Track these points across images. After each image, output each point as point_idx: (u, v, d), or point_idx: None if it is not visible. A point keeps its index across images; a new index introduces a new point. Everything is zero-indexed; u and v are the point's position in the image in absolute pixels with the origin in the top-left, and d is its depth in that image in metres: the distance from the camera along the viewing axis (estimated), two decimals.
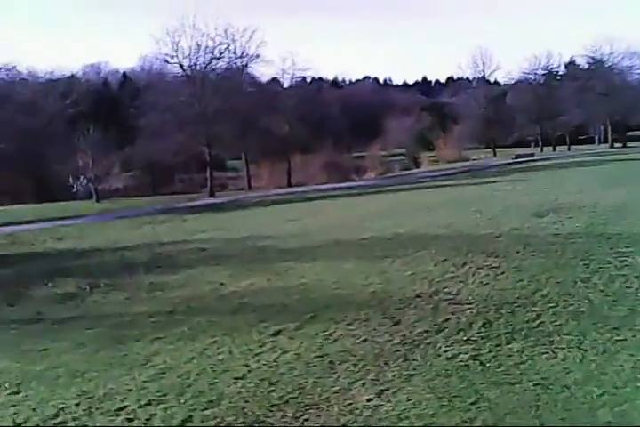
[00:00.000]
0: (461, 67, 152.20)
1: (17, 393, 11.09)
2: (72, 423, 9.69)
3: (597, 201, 26.40)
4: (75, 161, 60.68)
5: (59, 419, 9.86)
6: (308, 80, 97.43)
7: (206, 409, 9.82)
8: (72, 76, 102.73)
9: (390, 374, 10.68)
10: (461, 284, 15.61)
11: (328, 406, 9.66)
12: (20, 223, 40.12)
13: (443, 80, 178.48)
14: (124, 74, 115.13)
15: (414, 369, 10.86)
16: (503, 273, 16.27)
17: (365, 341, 12.30)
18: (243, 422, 9.31)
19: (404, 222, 25.70)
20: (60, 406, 10.36)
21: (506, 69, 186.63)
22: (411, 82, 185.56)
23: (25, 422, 9.85)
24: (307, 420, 9.29)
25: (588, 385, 9.82)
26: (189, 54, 64.12)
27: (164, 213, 42.51)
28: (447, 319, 13.19)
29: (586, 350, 11.23)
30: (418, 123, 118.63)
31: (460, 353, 11.41)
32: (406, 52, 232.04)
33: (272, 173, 78.96)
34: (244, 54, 67.48)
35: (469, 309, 13.75)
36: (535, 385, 9.92)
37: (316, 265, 19.20)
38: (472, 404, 9.41)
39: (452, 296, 14.73)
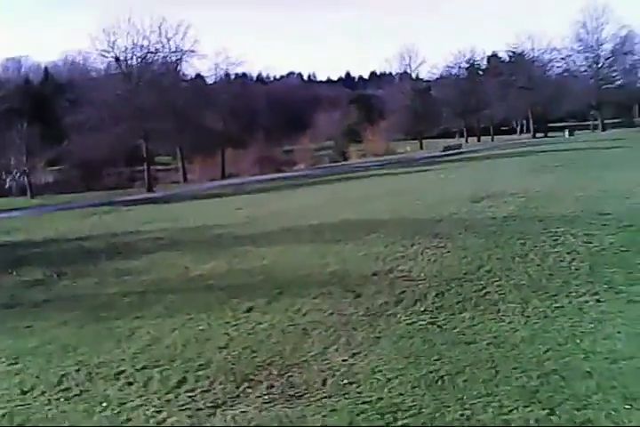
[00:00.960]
0: (388, 60, 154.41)
1: (16, 364, 11.99)
2: (76, 389, 10.66)
3: (528, 187, 28.16)
4: (6, 157, 60.29)
5: (63, 386, 10.81)
6: (233, 76, 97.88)
7: (198, 371, 10.93)
8: None
9: (359, 339, 11.96)
10: (412, 262, 16.99)
11: (308, 366, 10.86)
12: None
13: (366, 76, 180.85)
14: (46, 69, 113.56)
15: (380, 333, 12.17)
16: (449, 252, 17.72)
17: (332, 313, 13.54)
18: (233, 380, 10.44)
19: (349, 210, 27.00)
20: (61, 373, 11.32)
21: (431, 63, 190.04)
22: (335, 78, 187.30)
23: (32, 390, 10.76)
24: (290, 376, 10.49)
25: (534, 344, 11.24)
26: (125, 51, 64.39)
27: (106, 205, 42.88)
28: (403, 292, 14.55)
29: (529, 316, 12.70)
30: (345, 116, 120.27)
31: (419, 320, 12.77)
32: (329, 48, 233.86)
33: (204, 167, 79.58)
34: (179, 49, 68.07)
35: (422, 283, 15.13)
36: (488, 344, 11.31)
37: (272, 249, 20.32)
38: (436, 360, 10.73)
39: (405, 273, 16.10)
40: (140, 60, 65.46)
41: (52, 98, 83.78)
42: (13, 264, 22.18)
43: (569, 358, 10.49)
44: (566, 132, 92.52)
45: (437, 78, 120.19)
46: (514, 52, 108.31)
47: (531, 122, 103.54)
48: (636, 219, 20.06)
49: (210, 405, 9.66)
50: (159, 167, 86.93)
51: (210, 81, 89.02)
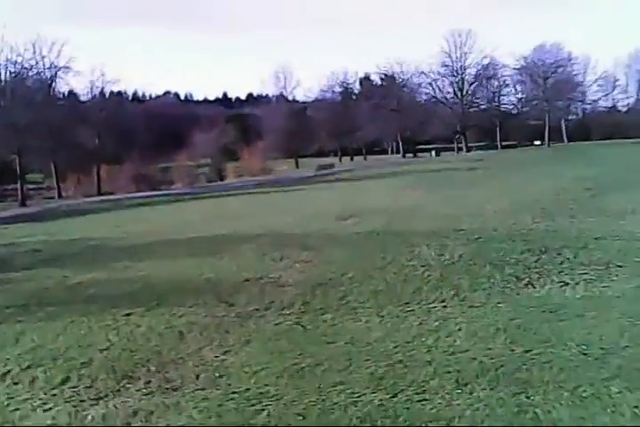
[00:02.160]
0: (264, 82, 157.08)
1: None
2: None
3: (391, 205, 30.18)
4: None
5: None
6: (108, 94, 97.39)
7: (81, 369, 11.87)
8: None
9: (231, 340, 13.16)
10: (282, 271, 18.37)
11: (184, 363, 11.99)
12: None
13: (243, 97, 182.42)
14: None
15: (250, 335, 13.41)
16: (314, 263, 19.21)
17: (206, 316, 14.71)
18: (114, 378, 11.45)
19: (224, 225, 28.16)
20: None
21: (306, 86, 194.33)
22: (212, 98, 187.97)
23: None
24: (167, 372, 11.57)
25: (386, 341, 12.74)
26: None
27: None
28: (272, 300, 15.86)
29: (383, 317, 14.26)
30: (222, 135, 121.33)
31: (286, 321, 14.12)
32: (206, 68, 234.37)
33: (79, 184, 78.83)
34: (53, 66, 67.60)
35: (289, 289, 16.52)
36: (346, 343, 12.72)
37: (151, 262, 21.22)
38: (299, 355, 12.07)
39: (274, 280, 17.47)
40: (13, 75, 64.64)
41: None
42: None
43: (414, 351, 12.04)
44: (433, 153, 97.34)
45: (312, 100, 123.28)
46: (385, 75, 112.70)
47: (400, 143, 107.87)
48: (484, 233, 22.26)
49: (93, 397, 10.63)
50: (31, 186, 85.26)
51: (85, 98, 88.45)
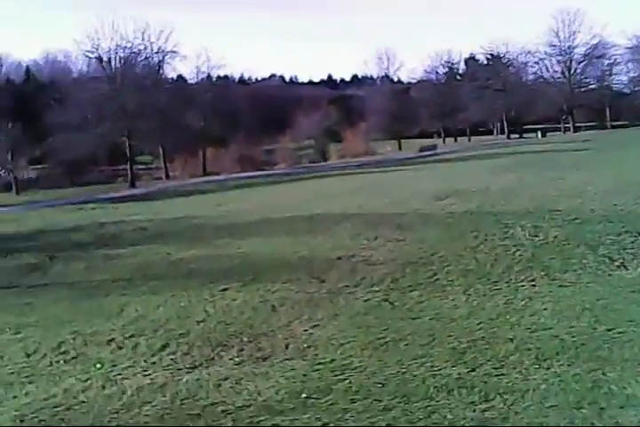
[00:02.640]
0: (367, 64, 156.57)
1: (19, 333, 13.71)
2: (74, 352, 12.38)
3: (489, 186, 30.05)
4: None
5: (62, 349, 12.56)
6: (214, 78, 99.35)
7: (179, 339, 12.67)
8: None
9: (320, 314, 13.74)
10: (373, 250, 18.81)
11: (274, 335, 12.63)
12: None
13: (348, 78, 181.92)
14: (28, 68, 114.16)
15: (339, 310, 13.95)
16: (407, 242, 19.55)
17: (298, 292, 15.34)
18: (209, 346, 12.19)
19: (322, 205, 28.77)
20: (60, 340, 13.05)
21: (410, 67, 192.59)
22: (316, 80, 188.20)
23: (35, 353, 12.48)
24: (259, 342, 12.25)
25: (470, 318, 13.06)
26: (108, 51, 66.17)
27: (91, 202, 44.27)
28: (363, 277, 16.35)
29: (470, 295, 14.54)
30: (325, 116, 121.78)
31: (374, 298, 14.58)
32: (311, 50, 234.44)
33: (186, 165, 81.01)
34: (161, 50, 69.80)
35: (380, 268, 16.96)
36: (430, 319, 13.12)
37: (250, 239, 22.10)
38: (384, 330, 12.52)
39: (365, 258, 17.94)
40: (123, 61, 67.12)
41: (34, 97, 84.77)
42: (8, 251, 23.83)
43: (497, 328, 12.31)
44: (539, 134, 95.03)
45: (416, 81, 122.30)
46: (491, 55, 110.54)
47: (505, 124, 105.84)
48: (581, 214, 22.00)
49: (189, 366, 11.39)
50: (140, 166, 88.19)
51: (192, 82, 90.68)
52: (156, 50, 69.40)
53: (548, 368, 10.26)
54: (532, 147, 64.38)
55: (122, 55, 67.01)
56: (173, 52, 71.10)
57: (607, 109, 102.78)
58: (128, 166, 65.73)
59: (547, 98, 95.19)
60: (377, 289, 15.30)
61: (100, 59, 67.68)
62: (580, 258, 17.09)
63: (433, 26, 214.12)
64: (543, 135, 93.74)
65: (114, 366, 11.60)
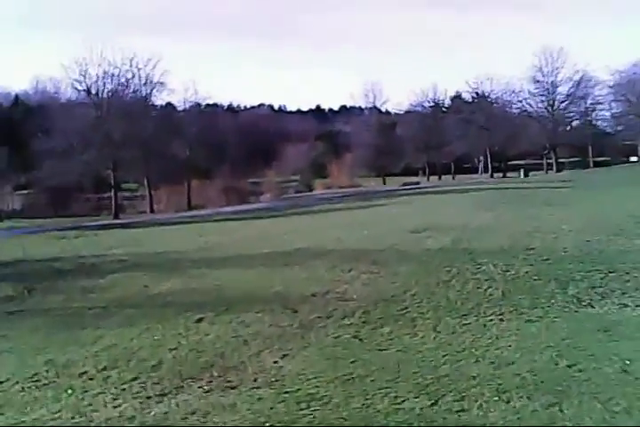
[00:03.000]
0: (353, 97, 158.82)
1: None
2: (46, 381, 12.60)
3: (466, 222, 30.57)
4: None
5: (36, 378, 12.77)
6: (203, 106, 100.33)
7: (150, 372, 12.89)
8: None
9: (290, 346, 14.01)
10: (347, 285, 19.14)
11: (244, 366, 12.88)
12: None
13: (336, 108, 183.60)
14: (17, 96, 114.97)
15: (309, 343, 14.23)
16: (381, 277, 19.91)
17: (271, 325, 15.61)
18: (180, 377, 12.42)
19: (301, 240, 29.15)
20: (33, 369, 13.26)
21: (395, 101, 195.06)
22: (305, 109, 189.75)
23: (7, 380, 12.68)
24: (228, 373, 12.49)
25: (437, 351, 13.39)
26: (96, 81, 66.88)
27: (74, 230, 44.45)
28: (335, 310, 16.66)
29: (439, 331, 14.83)
30: (312, 150, 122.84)
31: (345, 333, 14.87)
32: (300, 80, 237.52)
33: (171, 197, 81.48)
34: (149, 82, 70.61)
35: (353, 303, 17.27)
36: (397, 351, 13.43)
37: (226, 271, 22.41)
38: (352, 363, 12.80)
39: (340, 294, 18.24)
40: (110, 91, 67.88)
41: (21, 123, 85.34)
42: None
43: (462, 362, 12.62)
44: (522, 173, 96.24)
45: (402, 115, 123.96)
46: (477, 93, 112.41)
47: (489, 161, 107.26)
48: (554, 253, 22.49)
49: (158, 393, 11.62)
50: (126, 194, 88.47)
51: (180, 109, 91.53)
52: (143, 79, 70.33)
53: (507, 402, 10.58)
54: (512, 185, 65.21)
55: (109, 85, 67.83)
56: (161, 83, 72.06)
57: (590, 148, 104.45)
58: (112, 197, 66.05)
59: (529, 134, 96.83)
60: (348, 323, 15.59)
61: (88, 90, 68.45)
62: (549, 296, 17.41)
63: (418, 59, 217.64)
64: (526, 175, 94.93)
65: (84, 393, 11.83)
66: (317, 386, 11.65)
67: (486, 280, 19.19)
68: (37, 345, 15.13)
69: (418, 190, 67.37)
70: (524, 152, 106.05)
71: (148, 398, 11.49)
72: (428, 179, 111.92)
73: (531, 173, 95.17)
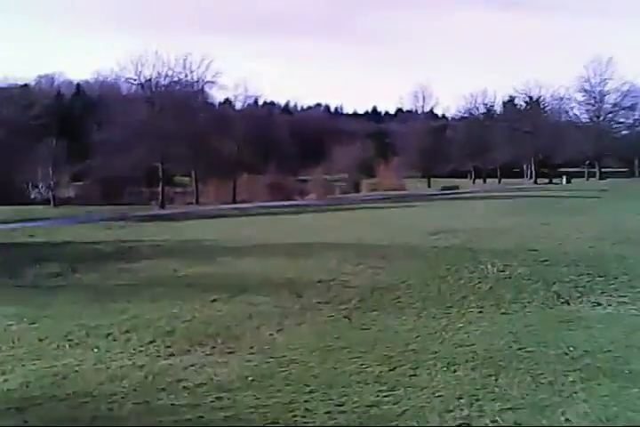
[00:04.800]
0: (403, 100, 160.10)
1: (34, 323, 16.50)
2: (77, 340, 15.06)
3: (482, 226, 32.41)
4: (34, 169, 65.28)
5: (70, 337, 15.26)
6: (260, 103, 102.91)
7: (165, 337, 15.26)
8: (25, 85, 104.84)
9: (287, 323, 16.27)
10: (353, 275, 21.32)
11: (244, 338, 15.16)
12: None
13: (392, 111, 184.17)
14: (78, 86, 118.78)
15: (304, 321, 16.47)
16: (385, 270, 22.03)
17: (275, 306, 17.90)
18: (189, 342, 14.75)
19: (325, 235, 31.34)
20: (67, 330, 15.76)
21: (444, 105, 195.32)
22: (361, 111, 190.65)
23: (45, 339, 15.18)
24: (229, 347, 14.73)
25: (412, 332, 15.48)
26: (150, 79, 70.05)
27: (122, 219, 47.32)
28: (335, 296, 18.86)
29: (421, 317, 16.94)
30: (362, 150, 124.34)
31: (338, 315, 17.06)
32: (358, 81, 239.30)
33: (218, 190, 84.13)
34: (201, 80, 73.45)
35: (353, 291, 19.44)
36: (378, 331, 15.58)
37: (249, 260, 24.76)
38: (336, 338, 14.99)
39: (343, 283, 20.44)
40: (163, 87, 70.90)
41: (81, 115, 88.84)
42: (36, 260, 26.79)
43: (429, 342, 14.72)
44: (564, 179, 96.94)
45: (458, 119, 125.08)
46: (530, 98, 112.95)
47: (532, 167, 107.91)
48: (553, 255, 24.31)
49: (168, 354, 13.98)
50: (177, 189, 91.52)
51: (238, 106, 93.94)
52: (196, 79, 73.05)
53: (454, 372, 12.63)
54: (548, 192, 66.30)
55: (163, 83, 70.79)
56: (212, 82, 74.76)
57: (636, 160, 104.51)
58: (160, 189, 69.04)
59: (574, 143, 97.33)
60: (343, 307, 17.78)
61: (141, 85, 71.64)
62: (532, 293, 19.39)
63: (468, 63, 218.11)
64: (568, 181, 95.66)
65: (107, 351, 14.26)
66: (301, 354, 13.86)
67: (479, 277, 21.15)
68: (73, 313, 17.68)
69: (453, 196, 69.02)
70: (570, 160, 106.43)
71: (158, 356, 13.85)
72: (474, 182, 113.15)
73: (572, 180, 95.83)
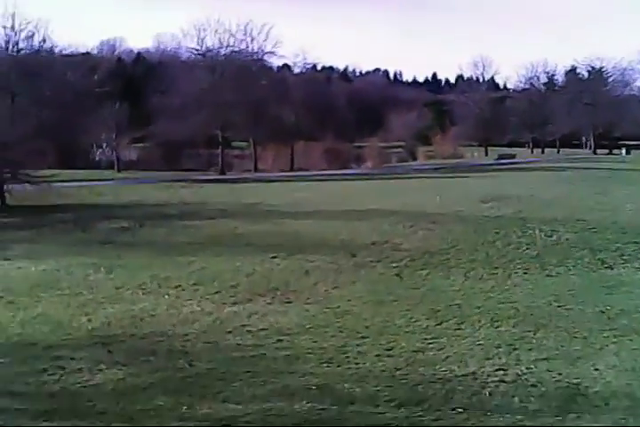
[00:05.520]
0: (462, 68, 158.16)
1: (110, 273, 18.03)
2: (150, 288, 16.50)
3: (535, 195, 32.97)
4: (98, 132, 67.37)
5: (143, 286, 16.74)
6: (318, 68, 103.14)
7: (229, 289, 16.59)
8: (88, 53, 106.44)
9: (342, 279, 17.46)
10: (404, 238, 22.36)
11: (301, 291, 16.40)
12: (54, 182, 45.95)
13: (452, 79, 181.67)
14: (139, 54, 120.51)
15: (357, 278, 17.65)
16: (435, 234, 23.00)
17: (332, 262, 19.10)
18: (251, 293, 16.04)
19: (379, 201, 32.30)
20: (140, 279, 17.26)
21: (504, 74, 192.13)
22: (421, 78, 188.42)
23: (122, 287, 16.66)
24: (288, 298, 15.97)
25: (459, 291, 16.51)
26: (211, 49, 71.32)
27: (182, 182, 48.93)
28: (387, 256, 19.96)
29: (468, 278, 17.93)
30: (419, 118, 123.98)
31: (389, 273, 18.19)
32: (419, 46, 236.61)
33: (276, 157, 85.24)
34: (261, 49, 74.32)
35: (404, 252, 20.50)
36: (427, 289, 16.67)
37: (306, 222, 25.94)
38: (387, 293, 16.13)
39: (395, 245, 21.50)
40: (224, 56, 71.96)
41: (142, 81, 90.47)
42: (106, 217, 28.55)
43: (475, 299, 15.75)
44: (623, 151, 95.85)
45: (519, 90, 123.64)
46: (593, 68, 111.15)
47: (591, 139, 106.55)
48: (602, 224, 24.88)
49: (232, 302, 15.32)
50: (235, 152, 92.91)
51: (297, 70, 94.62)
52: (256, 47, 73.84)
53: (496, 327, 13.68)
54: (604, 164, 65.85)
55: (224, 50, 71.80)
56: (271, 52, 75.56)
57: None
58: (220, 155, 70.53)
59: (634, 118, 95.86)
60: (394, 266, 18.88)
61: (203, 54, 72.87)
62: (577, 258, 20.13)
63: (529, 34, 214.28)
64: (628, 152, 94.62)
65: (177, 298, 15.67)
66: (354, 306, 15.07)
67: (527, 243, 21.92)
68: (144, 265, 19.19)
69: (510, 166, 69.05)
70: (630, 134, 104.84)
71: (224, 304, 15.20)
72: (532, 152, 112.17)
73: (632, 152, 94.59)
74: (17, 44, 63.05)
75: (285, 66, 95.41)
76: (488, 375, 10.95)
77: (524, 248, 21.35)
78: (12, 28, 61.20)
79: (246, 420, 9.23)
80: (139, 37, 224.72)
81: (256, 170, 73.64)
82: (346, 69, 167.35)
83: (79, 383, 10.59)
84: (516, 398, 10.03)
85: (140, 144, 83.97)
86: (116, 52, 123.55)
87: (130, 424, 9.33)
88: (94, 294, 16.14)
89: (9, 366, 11.52)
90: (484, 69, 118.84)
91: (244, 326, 13.52)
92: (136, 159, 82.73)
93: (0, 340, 12.98)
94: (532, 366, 11.41)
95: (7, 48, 62.64)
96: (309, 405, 9.69)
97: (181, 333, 13.07)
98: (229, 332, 13.15)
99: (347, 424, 9.24)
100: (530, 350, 12.24)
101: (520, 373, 11.09)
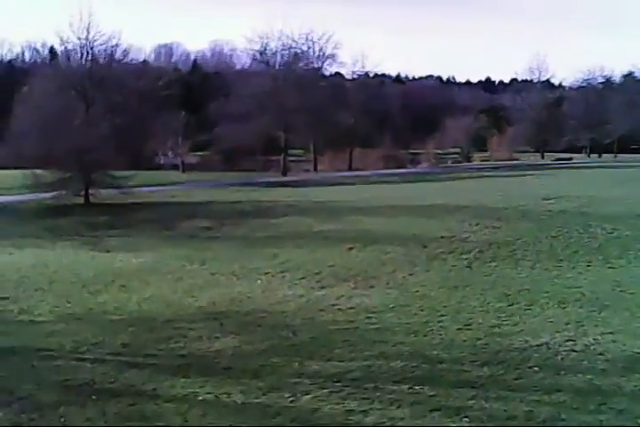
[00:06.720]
0: (517, 70, 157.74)
1: (203, 264, 19.81)
2: (242, 276, 18.15)
3: (595, 194, 33.86)
4: (163, 138, 69.88)
5: (235, 273, 18.43)
6: (371, 75, 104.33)
7: (315, 274, 18.19)
8: (145, 61, 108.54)
9: (417, 268, 18.92)
10: (471, 233, 23.66)
11: (380, 278, 17.90)
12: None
13: (507, 81, 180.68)
14: (195, 61, 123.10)
15: (431, 267, 19.08)
16: (500, 229, 24.23)
17: (405, 254, 20.56)
18: (335, 279, 17.59)
19: (442, 198, 33.47)
20: (232, 269, 18.97)
21: (560, 77, 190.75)
22: (474, 81, 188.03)
23: (217, 273, 18.38)
24: (369, 279, 17.48)
25: (527, 278, 17.82)
26: (275, 53, 73.51)
27: (248, 185, 50.79)
28: (456, 248, 21.32)
29: (535, 268, 19.19)
30: (475, 123, 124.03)
31: (460, 264, 19.56)
32: (471, 50, 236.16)
33: (333, 161, 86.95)
34: (321, 55, 76.38)
35: (472, 245, 21.83)
36: (497, 277, 18.02)
37: (375, 219, 27.37)
38: (459, 280, 17.52)
39: (463, 238, 22.83)
40: (286, 63, 74.18)
41: (200, 87, 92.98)
42: (187, 216, 30.42)
43: (542, 284, 17.07)
44: None
45: (575, 88, 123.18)
46: None
47: None
48: None
49: (319, 287, 16.90)
50: (291, 158, 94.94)
51: (348, 77, 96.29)
52: (317, 52, 75.92)
53: (563, 308, 14.98)
54: None
55: (286, 57, 74.01)
56: (332, 56, 77.44)
57: None
58: (282, 157, 72.69)
59: None
60: (464, 257, 20.25)
61: (267, 62, 75.09)
62: (638, 250, 21.23)
63: (585, 36, 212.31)
64: None
65: (269, 283, 17.36)
66: (430, 290, 16.54)
67: (589, 237, 23.04)
68: (232, 257, 20.94)
69: (567, 165, 69.60)
70: None
71: (312, 288, 16.79)
72: (589, 156, 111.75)
73: None
74: (91, 53, 65.72)
75: (337, 74, 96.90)
76: (559, 345, 12.32)
77: (586, 242, 22.44)
78: (87, 38, 63.80)
79: (352, 376, 10.76)
80: (195, 43, 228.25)
81: (315, 170, 75.85)
82: (398, 75, 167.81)
83: (202, 349, 12.28)
84: (586, 362, 11.40)
85: (199, 152, 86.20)
86: (173, 57, 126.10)
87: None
88: (193, 279, 17.96)
89: (137, 334, 13.29)
90: (539, 74, 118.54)
91: (333, 305, 15.14)
92: (196, 163, 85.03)
93: (123, 315, 14.81)
94: (599, 338, 12.75)
95: (82, 57, 65.34)
96: (403, 364, 11.23)
97: (279, 310, 14.71)
98: (322, 310, 14.78)
99: (439, 381, 10.70)
100: (596, 326, 13.55)
101: (588, 343, 12.43)
